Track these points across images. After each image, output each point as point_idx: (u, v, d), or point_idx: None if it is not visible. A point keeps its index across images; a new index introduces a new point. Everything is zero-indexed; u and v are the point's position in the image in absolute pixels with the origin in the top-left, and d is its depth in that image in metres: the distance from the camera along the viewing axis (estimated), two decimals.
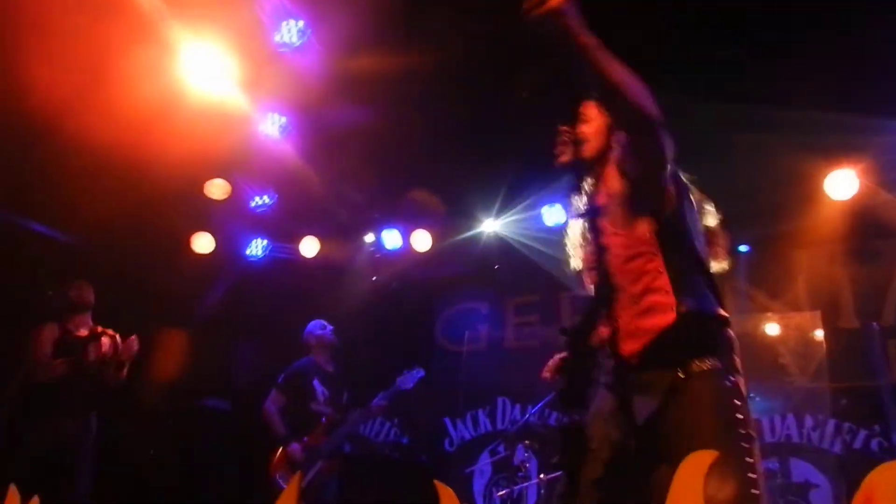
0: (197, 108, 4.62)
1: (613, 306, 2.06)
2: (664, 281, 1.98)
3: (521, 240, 6.32)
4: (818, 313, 5.40)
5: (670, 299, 1.96)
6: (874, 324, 4.73)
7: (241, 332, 7.13)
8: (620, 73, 1.90)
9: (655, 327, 1.96)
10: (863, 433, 5.15)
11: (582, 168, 2.26)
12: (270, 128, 5.25)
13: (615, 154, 2.17)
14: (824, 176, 4.95)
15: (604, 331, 2.08)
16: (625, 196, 2.10)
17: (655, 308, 1.98)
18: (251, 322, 7.05)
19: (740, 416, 1.84)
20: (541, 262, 6.26)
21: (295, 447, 4.81)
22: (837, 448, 5.14)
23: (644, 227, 2.06)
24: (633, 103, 1.91)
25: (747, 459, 1.79)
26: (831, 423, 5.22)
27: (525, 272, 6.59)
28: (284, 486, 4.54)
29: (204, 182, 5.77)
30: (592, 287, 2.19)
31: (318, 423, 4.93)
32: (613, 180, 2.15)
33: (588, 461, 1.98)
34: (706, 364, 1.89)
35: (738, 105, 3.80)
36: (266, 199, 6.12)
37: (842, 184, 4.96)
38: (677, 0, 3.80)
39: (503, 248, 6.47)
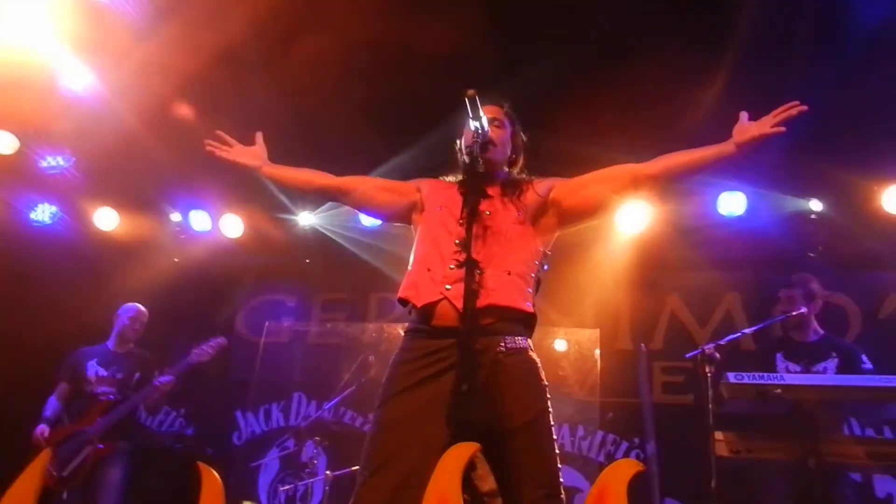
0: None
1: None
2: None
3: (337, 237, 6.30)
4: (597, 332, 5.90)
5: None
6: (642, 346, 5.26)
7: (16, 304, 6.42)
8: None
9: None
10: (624, 444, 5.70)
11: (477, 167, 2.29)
12: (75, 83, 4.80)
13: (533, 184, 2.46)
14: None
15: None
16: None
17: None
18: (29, 295, 6.37)
19: None
20: (353, 260, 6.28)
21: (37, 429, 4.54)
22: (601, 458, 5.64)
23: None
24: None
25: None
26: (599, 435, 5.72)
27: (336, 269, 6.58)
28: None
29: None
30: None
31: (97, 405, 4.67)
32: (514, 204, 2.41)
33: None
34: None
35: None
36: (60, 160, 5.58)
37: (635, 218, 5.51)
38: None
39: (317, 243, 6.41)
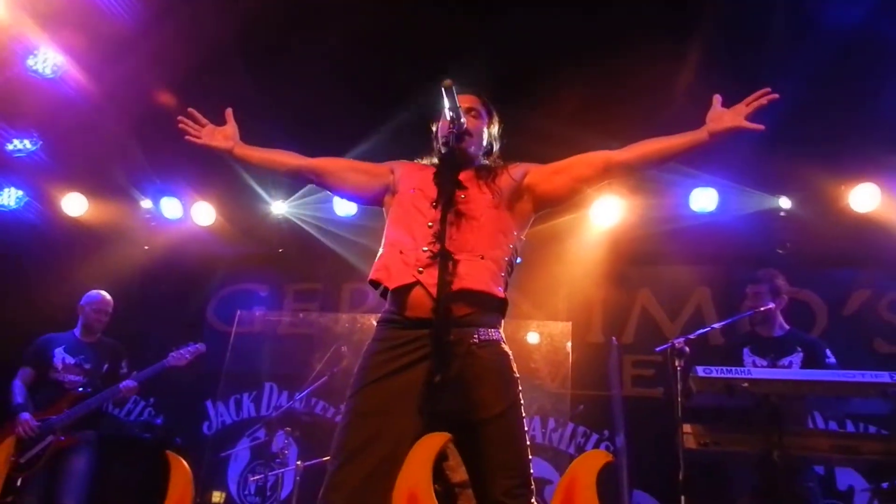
0: None
1: None
2: None
3: (310, 226, 6.25)
4: (569, 325, 5.94)
5: None
6: (614, 339, 5.31)
7: None
8: None
9: None
10: (594, 436, 5.76)
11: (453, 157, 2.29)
12: (41, 65, 4.71)
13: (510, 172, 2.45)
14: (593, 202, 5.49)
15: None
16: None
17: None
18: None
19: None
20: (327, 250, 6.24)
21: (23, 417, 4.45)
22: (572, 449, 5.67)
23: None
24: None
25: None
26: (569, 427, 5.77)
27: (309, 259, 6.54)
28: None
29: None
30: None
31: (65, 394, 4.61)
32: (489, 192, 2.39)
33: None
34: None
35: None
36: (27, 143, 5.46)
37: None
38: None
39: (290, 232, 6.36)
